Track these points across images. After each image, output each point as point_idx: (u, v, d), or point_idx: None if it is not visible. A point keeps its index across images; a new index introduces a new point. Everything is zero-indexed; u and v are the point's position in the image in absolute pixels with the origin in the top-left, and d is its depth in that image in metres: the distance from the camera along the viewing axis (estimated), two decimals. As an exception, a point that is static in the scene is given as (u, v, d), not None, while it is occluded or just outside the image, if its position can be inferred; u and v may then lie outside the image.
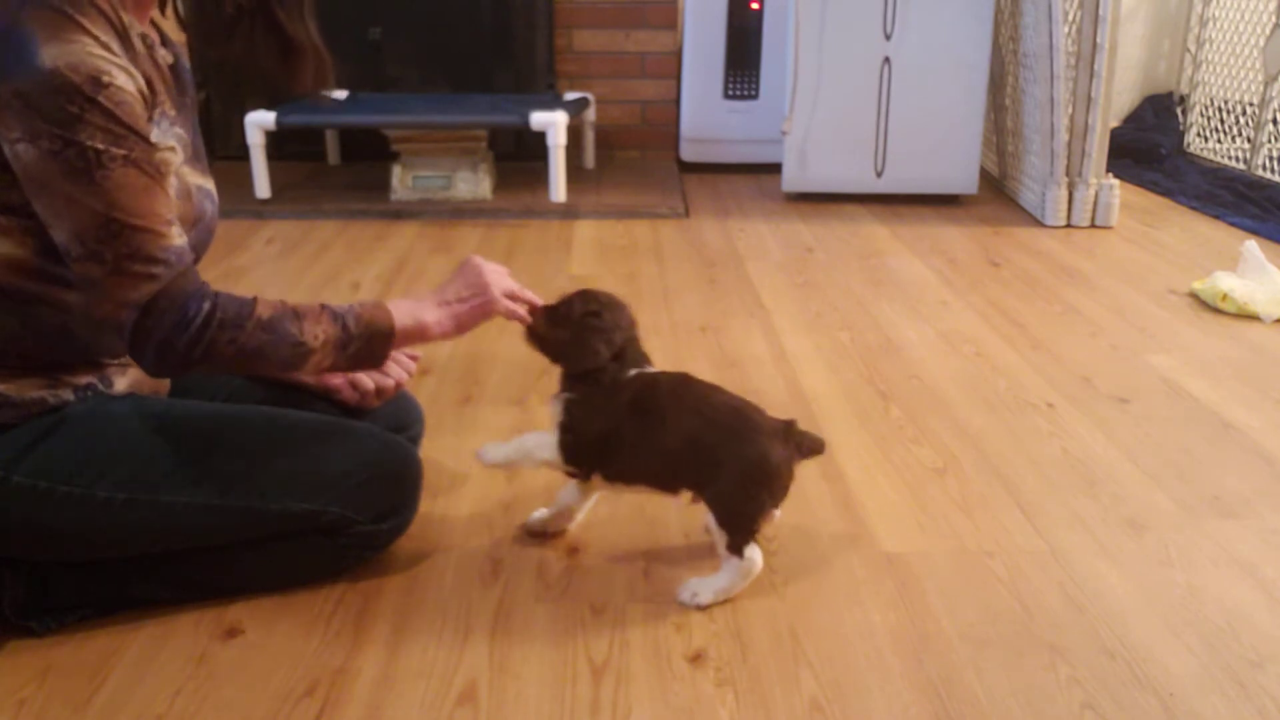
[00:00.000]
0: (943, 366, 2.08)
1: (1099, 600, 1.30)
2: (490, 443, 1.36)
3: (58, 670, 1.15)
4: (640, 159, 4.24)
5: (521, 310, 1.30)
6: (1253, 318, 2.36)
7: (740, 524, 1.26)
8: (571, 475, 1.36)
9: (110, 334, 1.19)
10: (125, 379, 1.24)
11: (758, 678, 1.15)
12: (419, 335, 1.24)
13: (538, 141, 3.42)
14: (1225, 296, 2.41)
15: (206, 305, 1.09)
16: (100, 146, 1.03)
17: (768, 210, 3.43)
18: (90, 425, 1.16)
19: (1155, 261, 2.84)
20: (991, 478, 1.62)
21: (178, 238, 1.09)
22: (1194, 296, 2.52)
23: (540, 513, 1.44)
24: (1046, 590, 1.32)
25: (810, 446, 1.30)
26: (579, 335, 1.29)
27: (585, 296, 1.32)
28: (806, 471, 1.49)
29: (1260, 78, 3.79)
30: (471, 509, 1.50)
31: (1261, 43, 3.77)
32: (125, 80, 1.05)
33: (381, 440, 1.31)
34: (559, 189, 3.39)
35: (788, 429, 1.28)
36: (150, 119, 1.11)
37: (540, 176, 3.55)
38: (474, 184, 3.45)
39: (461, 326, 1.27)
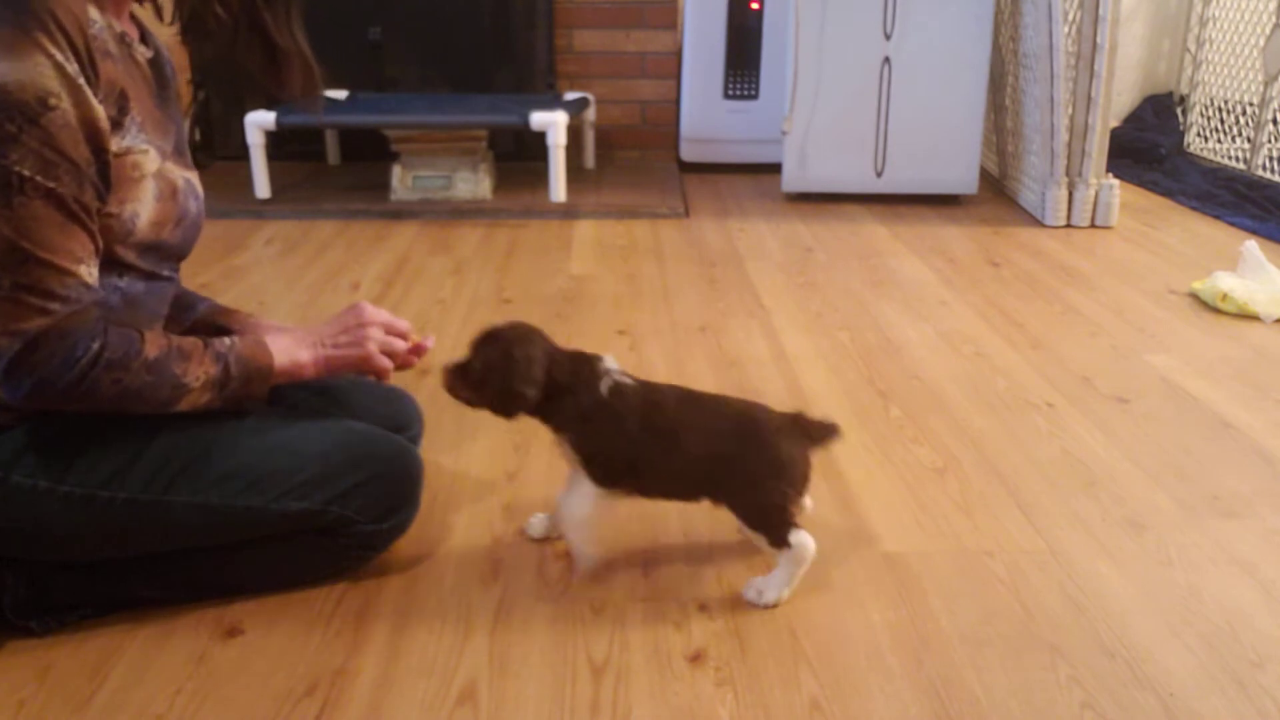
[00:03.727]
0: (943, 366, 2.08)
1: (1099, 600, 1.30)
2: (535, 518, 1.41)
3: (58, 670, 1.15)
4: (640, 159, 4.24)
5: (390, 364, 1.32)
6: (1253, 318, 2.36)
7: (770, 521, 1.26)
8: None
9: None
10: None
11: (758, 678, 1.15)
12: (295, 374, 1.26)
13: (538, 141, 3.42)
14: (1225, 296, 2.41)
15: (95, 345, 1.07)
16: (27, 174, 1.01)
17: (768, 210, 3.43)
18: (90, 425, 1.16)
19: (1155, 261, 2.84)
20: (991, 478, 1.62)
21: (86, 276, 1.07)
22: (1194, 296, 2.52)
23: (539, 518, 1.44)
24: (1046, 590, 1.32)
25: (822, 434, 1.29)
26: (499, 388, 1.26)
27: (486, 341, 1.28)
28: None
29: (1260, 78, 3.79)
30: (471, 509, 1.50)
31: (1261, 43, 3.77)
32: (73, 105, 1.03)
33: (382, 440, 1.31)
34: (559, 189, 3.40)
35: (795, 421, 1.29)
36: (120, 125, 1.09)
37: (540, 176, 3.55)
38: (474, 184, 3.45)
39: (333, 372, 1.30)
